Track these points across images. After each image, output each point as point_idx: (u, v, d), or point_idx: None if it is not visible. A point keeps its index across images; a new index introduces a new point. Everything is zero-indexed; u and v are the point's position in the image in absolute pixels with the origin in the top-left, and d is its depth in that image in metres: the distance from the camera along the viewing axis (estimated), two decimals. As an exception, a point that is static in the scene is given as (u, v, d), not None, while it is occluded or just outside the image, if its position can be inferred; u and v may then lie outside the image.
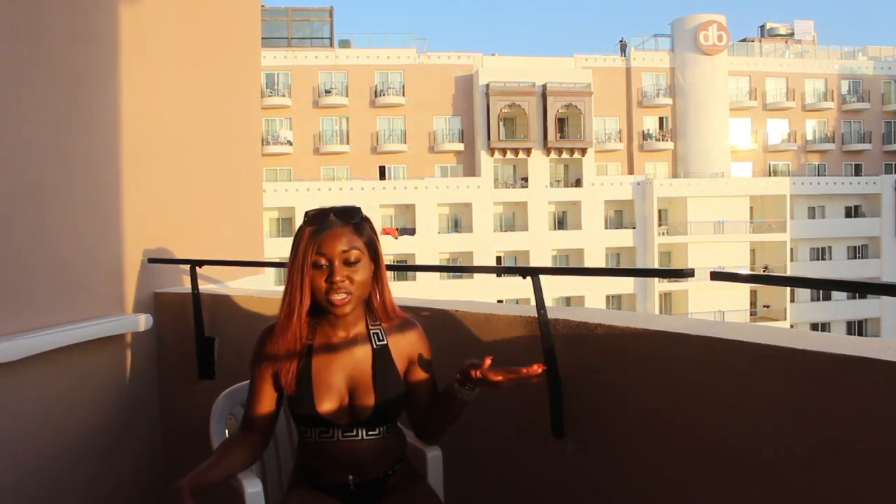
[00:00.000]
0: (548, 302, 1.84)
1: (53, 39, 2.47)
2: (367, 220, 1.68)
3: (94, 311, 2.64)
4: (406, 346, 1.72)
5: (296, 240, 1.62)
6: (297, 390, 1.65)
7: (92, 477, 2.67)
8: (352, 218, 1.64)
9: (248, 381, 1.75)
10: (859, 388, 1.29)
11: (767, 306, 36.30)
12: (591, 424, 1.80)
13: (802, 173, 39.08)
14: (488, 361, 1.57)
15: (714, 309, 32.97)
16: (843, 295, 34.93)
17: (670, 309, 35.46)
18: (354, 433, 1.67)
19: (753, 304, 36.29)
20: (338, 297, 1.59)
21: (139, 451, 2.91)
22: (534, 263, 31.75)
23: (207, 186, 3.29)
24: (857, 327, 36.71)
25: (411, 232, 34.07)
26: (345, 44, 37.13)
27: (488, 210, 34.86)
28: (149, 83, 2.92)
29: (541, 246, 34.56)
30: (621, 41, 38.70)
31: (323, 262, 1.59)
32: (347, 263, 1.60)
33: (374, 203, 32.73)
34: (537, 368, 1.55)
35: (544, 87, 35.44)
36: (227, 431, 1.92)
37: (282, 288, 1.68)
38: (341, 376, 1.67)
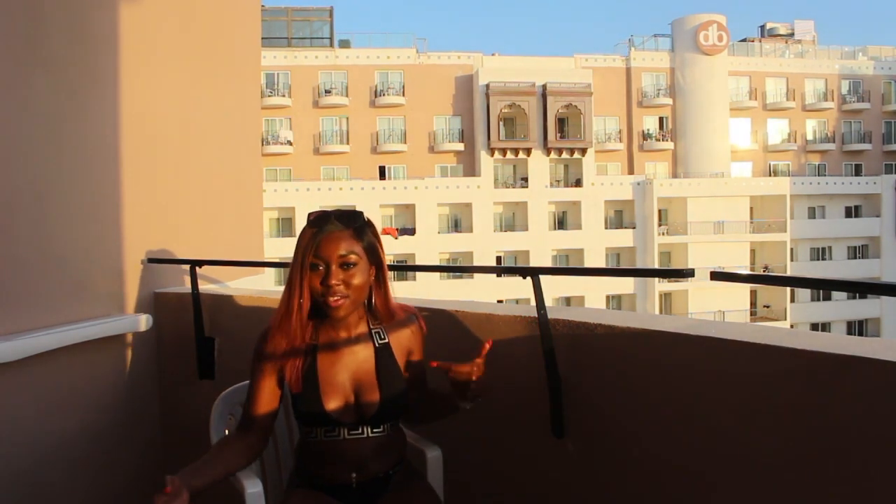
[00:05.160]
0: (548, 302, 1.85)
1: (53, 39, 2.47)
2: (369, 223, 1.69)
3: (94, 311, 2.64)
4: (404, 339, 1.75)
5: (297, 241, 1.65)
6: (303, 389, 1.66)
7: (92, 477, 2.67)
8: (352, 222, 1.65)
9: (248, 382, 1.75)
10: (859, 388, 1.29)
11: (767, 306, 36.30)
12: (591, 424, 1.80)
13: (802, 173, 39.07)
14: (488, 346, 1.58)
15: (714, 309, 32.96)
16: (843, 295, 34.92)
17: (670, 309, 35.45)
18: (360, 431, 1.69)
19: (753, 304, 36.28)
20: (333, 300, 1.61)
21: (139, 451, 2.91)
22: (534, 263, 31.75)
23: (207, 186, 3.29)
24: (857, 327, 36.70)
25: (411, 232, 34.06)
26: (345, 44, 37.12)
27: (488, 210, 34.85)
28: (149, 83, 2.92)
29: (541, 246, 34.55)
30: (630, 40, 38.69)
31: (320, 264, 1.61)
32: (344, 267, 1.61)
33: (374, 203, 32.73)
34: (487, 346, 1.58)
35: (544, 87, 35.44)
36: (227, 431, 1.92)
37: (282, 288, 1.69)
38: (346, 375, 1.69)
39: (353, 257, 1.62)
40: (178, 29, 3.12)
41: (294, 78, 35.41)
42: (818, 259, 37.44)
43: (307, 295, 1.62)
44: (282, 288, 1.69)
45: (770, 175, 38.97)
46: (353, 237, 1.63)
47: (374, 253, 1.67)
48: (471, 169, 36.09)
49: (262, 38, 4.12)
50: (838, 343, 1.39)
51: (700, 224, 35.21)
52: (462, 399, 1.61)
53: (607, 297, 35.01)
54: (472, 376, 1.55)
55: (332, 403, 1.66)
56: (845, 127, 40.17)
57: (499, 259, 34.80)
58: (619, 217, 36.56)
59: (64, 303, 2.52)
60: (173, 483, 1.45)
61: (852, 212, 38.26)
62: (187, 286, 2.82)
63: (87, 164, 2.64)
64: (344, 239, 1.62)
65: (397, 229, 33.85)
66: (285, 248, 1.68)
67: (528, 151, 35.68)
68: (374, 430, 1.69)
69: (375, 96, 36.00)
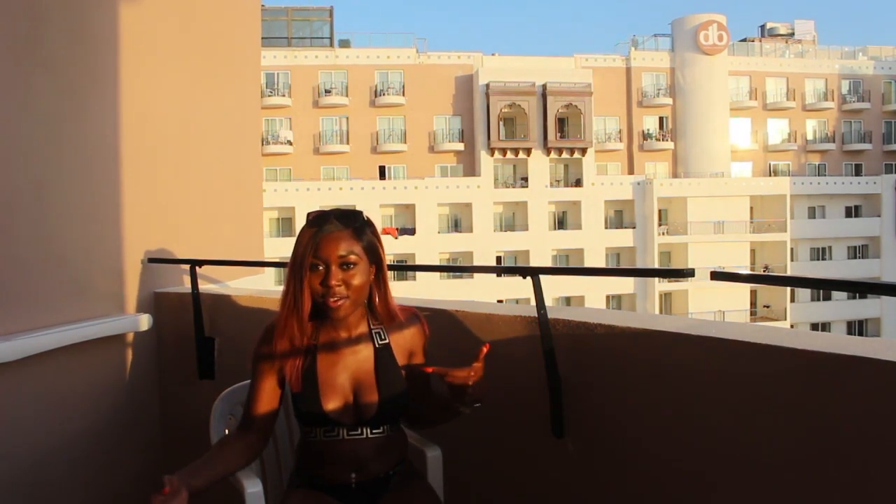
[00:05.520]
0: (548, 302, 1.84)
1: (53, 40, 2.47)
2: (368, 223, 1.68)
3: (94, 311, 2.64)
4: (405, 341, 1.74)
5: (296, 241, 1.64)
6: (302, 389, 1.66)
7: (92, 477, 2.67)
8: (352, 222, 1.64)
9: (248, 381, 1.75)
10: (859, 388, 1.29)
11: (767, 306, 36.29)
12: (591, 424, 1.80)
13: (802, 173, 39.06)
14: (485, 349, 1.55)
15: (714, 309, 32.96)
16: (843, 295, 34.92)
17: (670, 309, 35.44)
18: (359, 432, 1.68)
19: (753, 304, 36.28)
20: (332, 301, 1.60)
21: (139, 451, 2.91)
22: (534, 263, 31.75)
23: (207, 186, 3.30)
24: (857, 327, 36.69)
25: (411, 232, 34.06)
26: (345, 44, 37.11)
27: (488, 210, 34.85)
28: (149, 83, 2.92)
29: (541, 246, 34.55)
30: (633, 39, 38.79)
31: (319, 264, 1.60)
32: (344, 267, 1.60)
33: (374, 203, 32.73)
34: (484, 349, 1.54)
35: (544, 86, 35.44)
36: (227, 431, 1.92)
37: (282, 288, 1.69)
38: (345, 376, 1.68)
39: (352, 257, 1.61)
40: (178, 29, 3.12)
41: (294, 78, 35.40)
42: (818, 259, 37.43)
43: (307, 295, 1.62)
44: (282, 288, 1.68)
45: (770, 175, 38.96)
46: (353, 237, 1.62)
47: (374, 252, 1.66)
48: (471, 169, 36.08)
49: (262, 38, 4.12)
50: (838, 343, 1.38)
51: (700, 224, 35.20)
52: (460, 404, 1.59)
53: (607, 297, 35.01)
54: (469, 381, 1.53)
55: (331, 404, 1.66)
56: (845, 127, 40.16)
57: (499, 259, 34.79)
58: (619, 217, 36.55)
59: (64, 303, 2.52)
60: (171, 483, 1.45)
61: (852, 212, 38.25)
62: (187, 286, 2.82)
63: (87, 164, 2.64)
64: (343, 239, 1.61)
65: (397, 229, 33.85)
66: (285, 248, 1.67)
67: (528, 151, 35.68)
68: (374, 431, 1.69)
69: (375, 96, 36.00)
